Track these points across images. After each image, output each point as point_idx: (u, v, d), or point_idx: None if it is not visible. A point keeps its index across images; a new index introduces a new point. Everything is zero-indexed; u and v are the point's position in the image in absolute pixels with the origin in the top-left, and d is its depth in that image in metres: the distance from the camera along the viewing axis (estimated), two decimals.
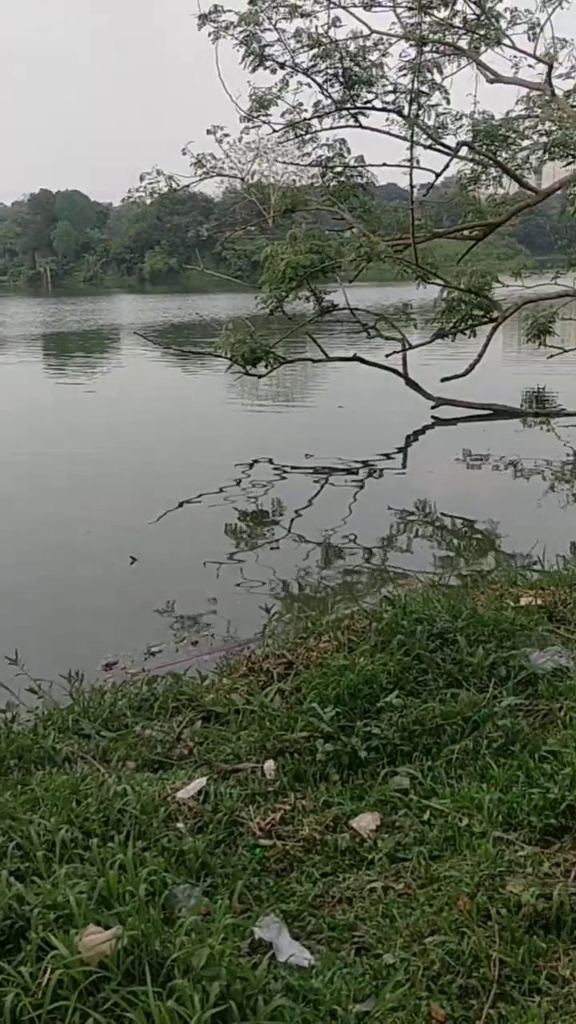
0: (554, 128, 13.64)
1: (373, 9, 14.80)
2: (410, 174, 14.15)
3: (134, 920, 3.02)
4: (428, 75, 13.74)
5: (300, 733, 4.60)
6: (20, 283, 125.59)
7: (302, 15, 14.15)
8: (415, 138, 14.15)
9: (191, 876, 3.58)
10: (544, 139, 13.67)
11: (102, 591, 9.22)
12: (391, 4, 14.65)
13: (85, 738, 4.90)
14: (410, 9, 14.42)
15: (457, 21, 15.02)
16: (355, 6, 14.50)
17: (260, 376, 16.31)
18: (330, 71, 13.99)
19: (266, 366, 15.64)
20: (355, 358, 17.12)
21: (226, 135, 15.11)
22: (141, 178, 15.34)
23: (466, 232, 16.18)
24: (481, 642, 5.39)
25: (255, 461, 15.06)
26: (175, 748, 4.79)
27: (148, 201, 16.09)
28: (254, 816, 4.06)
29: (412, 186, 14.53)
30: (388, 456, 15.56)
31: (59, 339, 43.78)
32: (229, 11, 14.05)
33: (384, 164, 15.34)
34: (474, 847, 3.68)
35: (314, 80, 14.21)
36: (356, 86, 14.01)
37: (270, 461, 15.09)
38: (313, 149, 15.65)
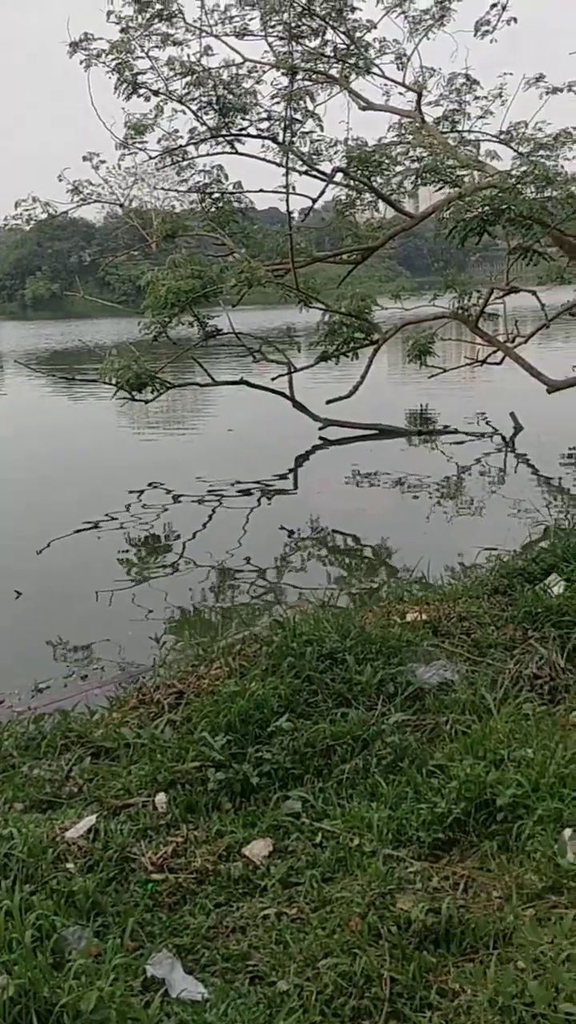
0: (425, 154, 14.05)
1: (246, 38, 15.03)
2: (286, 200, 14.39)
3: (21, 968, 2.94)
4: (301, 103, 14.01)
5: (191, 763, 4.57)
6: None
7: (174, 43, 14.26)
8: (291, 164, 14.39)
9: (81, 917, 3.51)
10: (416, 165, 14.06)
11: None
12: (263, 33, 14.87)
13: None
14: (281, 39, 14.67)
15: (328, 50, 15.38)
16: (227, 35, 14.69)
17: (147, 402, 16.22)
18: (204, 99, 14.11)
19: (152, 392, 15.57)
20: (242, 382, 17.20)
21: (103, 161, 15.07)
22: (16, 205, 15.13)
23: (345, 256, 16.47)
24: (369, 660, 5.47)
25: (146, 487, 14.94)
26: (64, 787, 4.69)
27: (26, 228, 15.85)
28: (146, 851, 4.00)
29: (289, 212, 14.77)
30: (279, 478, 15.67)
31: None
32: (100, 39, 14.05)
33: (261, 190, 15.54)
34: (365, 866, 3.72)
35: (188, 107, 14.31)
36: (230, 113, 14.16)
37: (161, 487, 14.99)
38: (191, 175, 15.74)
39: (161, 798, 4.39)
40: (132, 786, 4.54)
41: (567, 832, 3.73)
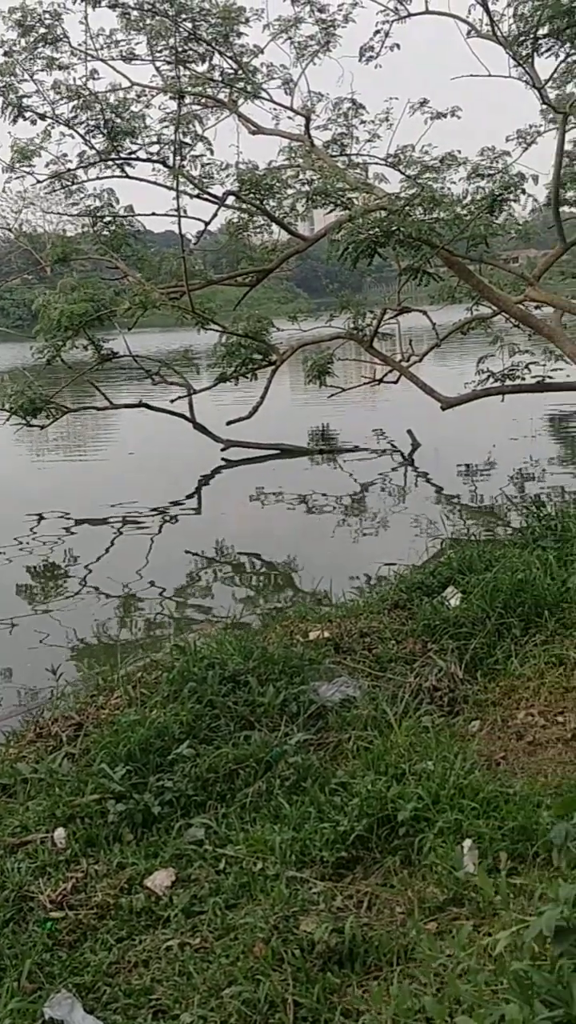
0: (315, 177, 14.23)
1: (133, 62, 15.00)
2: (178, 223, 14.39)
3: None
4: (190, 126, 14.06)
5: (91, 796, 4.47)
6: None
7: (60, 67, 14.15)
8: (182, 188, 14.40)
9: None
10: (307, 188, 14.22)
11: None
12: (150, 58, 14.88)
13: None
14: (168, 63, 14.70)
15: (216, 75, 15.48)
16: (114, 59, 14.64)
17: (42, 427, 15.95)
18: (92, 122, 14.01)
19: (48, 416, 15.31)
20: (141, 405, 17.07)
21: None
22: None
23: (240, 279, 16.54)
24: (272, 680, 5.45)
25: (46, 514, 14.65)
26: None
27: None
28: (44, 888, 3.90)
29: (181, 235, 14.76)
30: (182, 500, 15.58)
31: None
32: None
33: (153, 213, 15.52)
34: (268, 890, 3.69)
35: (76, 131, 14.19)
36: (119, 137, 14.08)
37: (62, 513, 14.72)
38: (82, 199, 15.60)
39: (60, 833, 4.28)
40: (30, 823, 4.41)
41: (466, 843, 3.77)
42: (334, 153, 16.12)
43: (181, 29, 14.37)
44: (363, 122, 15.92)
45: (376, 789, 4.17)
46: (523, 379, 14.40)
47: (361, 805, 4.10)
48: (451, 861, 3.59)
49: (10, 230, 16.01)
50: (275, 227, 16.34)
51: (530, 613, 6.33)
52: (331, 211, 14.25)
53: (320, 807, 4.21)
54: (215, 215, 15.48)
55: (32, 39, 14.18)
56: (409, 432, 17.84)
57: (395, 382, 17.76)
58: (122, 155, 14.48)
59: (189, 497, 15.86)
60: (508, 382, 14.29)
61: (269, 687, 5.32)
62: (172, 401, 17.19)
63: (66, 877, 3.95)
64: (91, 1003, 3.23)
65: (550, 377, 14.84)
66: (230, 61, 15.24)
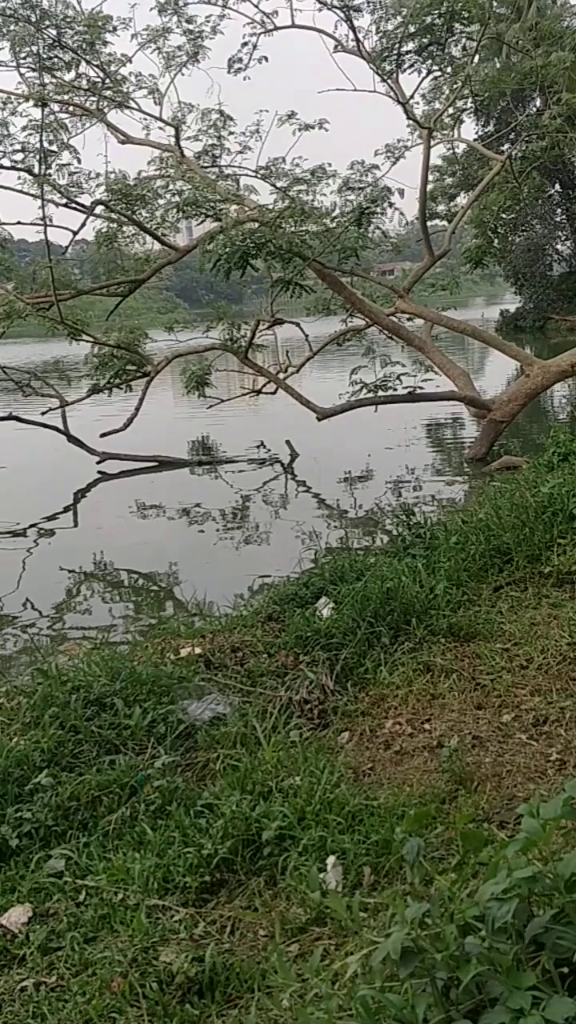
0: (186, 188, 14.18)
1: None
2: (44, 232, 14.07)
3: None
4: (56, 135, 13.80)
5: None
6: None
7: None
8: (49, 196, 14.10)
9: None
10: (178, 198, 14.15)
11: None
12: (14, 64, 14.55)
13: None
14: (33, 69, 14.41)
15: (84, 83, 15.26)
16: None
17: None
18: None
19: None
20: (11, 417, 16.62)
21: None
22: None
23: (113, 288, 16.31)
24: (139, 701, 5.33)
25: None
26: None
27: None
28: None
29: (47, 244, 14.42)
30: (57, 515, 15.22)
31: None
32: None
33: (18, 222, 15.15)
34: (128, 921, 3.57)
35: None
36: None
37: None
38: None
39: None
40: None
41: (330, 860, 3.75)
42: (205, 164, 16.12)
43: (45, 36, 14.11)
44: (232, 134, 15.97)
45: (241, 809, 4.11)
46: (395, 390, 14.64)
47: (226, 826, 4.03)
48: (309, 882, 3.54)
49: None
50: (148, 237, 16.19)
51: (399, 621, 6.39)
52: (202, 222, 14.22)
53: (185, 831, 4.12)
54: (83, 225, 15.25)
55: None
56: (287, 443, 17.92)
57: (273, 393, 17.83)
58: None
59: (64, 512, 15.50)
60: (380, 393, 14.50)
61: (136, 708, 5.20)
62: (43, 413, 16.80)
63: None
64: None
65: (421, 387, 15.13)
66: (97, 70, 15.06)
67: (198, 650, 6.36)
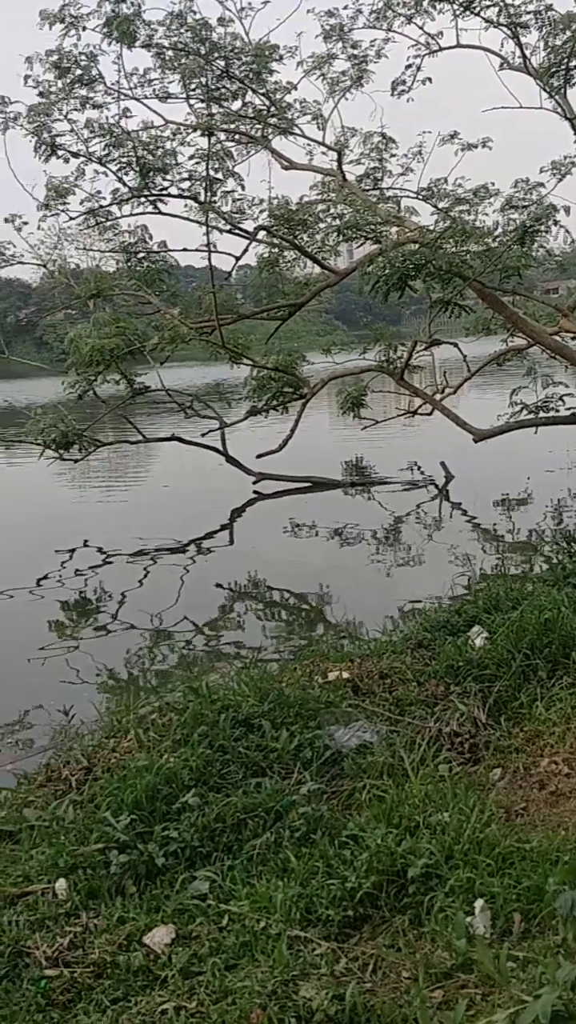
0: (347, 211, 14.23)
1: (168, 100, 15.17)
2: (208, 259, 14.47)
3: None
4: (222, 163, 14.15)
5: (94, 846, 4.34)
6: None
7: (94, 106, 14.34)
8: (214, 223, 14.48)
9: None
10: (338, 222, 14.22)
11: None
12: (184, 96, 15.03)
13: None
14: (201, 100, 14.84)
15: (249, 111, 15.59)
16: (147, 97, 14.81)
17: (76, 460, 16.06)
18: (124, 159, 14.18)
19: (80, 450, 15.41)
20: (173, 438, 17.13)
21: (25, 223, 15.00)
22: None
23: (273, 312, 16.57)
24: (287, 724, 5.31)
25: (78, 548, 14.68)
26: None
27: None
28: (41, 943, 3.77)
29: (211, 270, 14.82)
30: (214, 533, 15.53)
31: None
32: (17, 102, 14.09)
33: (184, 249, 15.60)
34: (269, 951, 3.53)
35: (108, 168, 14.37)
36: (151, 173, 14.23)
37: (94, 546, 14.74)
38: (115, 235, 15.77)
39: (61, 884, 4.16)
40: (32, 872, 4.30)
41: (478, 903, 3.59)
42: (367, 187, 16.12)
43: (214, 67, 14.51)
44: (394, 156, 15.89)
45: (387, 843, 4.01)
46: (557, 411, 14.17)
47: (371, 860, 3.93)
48: (456, 929, 3.39)
49: (45, 266, 16.19)
50: (308, 261, 16.37)
51: (557, 654, 6.13)
52: (360, 244, 14.24)
53: (329, 861, 4.05)
54: (245, 250, 15.55)
55: (68, 80, 14.41)
56: (442, 464, 17.66)
57: (429, 414, 17.62)
58: (154, 192, 14.60)
59: (220, 530, 15.81)
60: (542, 414, 14.05)
61: (283, 731, 5.18)
62: (203, 435, 17.22)
63: (64, 932, 3.83)
64: None
65: None
66: (262, 98, 15.35)
67: (346, 674, 6.30)
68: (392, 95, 15.38)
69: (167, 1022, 3.30)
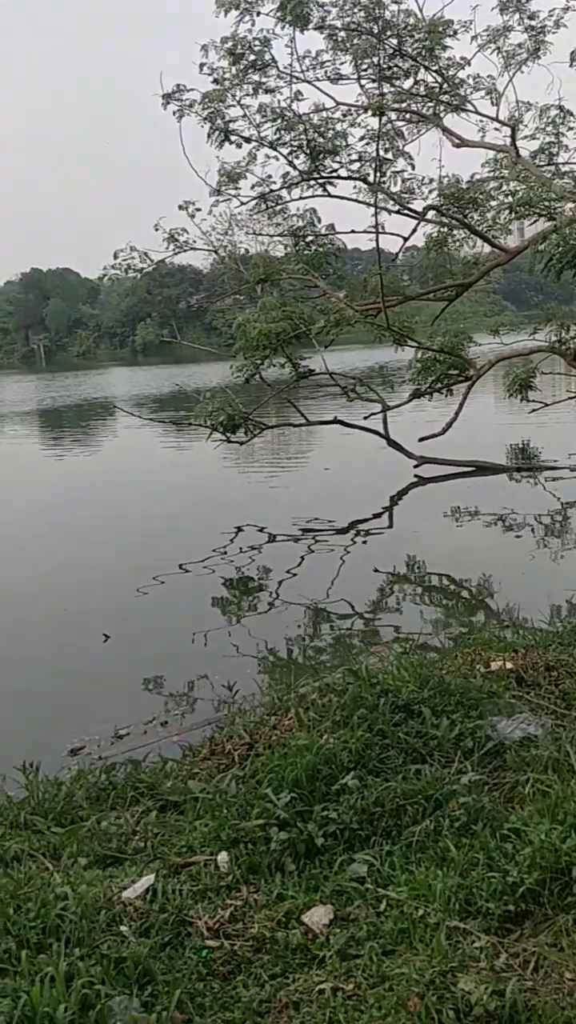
0: (520, 188, 13.83)
1: (339, 82, 15.15)
2: (376, 240, 14.34)
3: None
4: (392, 143, 14.01)
5: (256, 821, 4.42)
6: (14, 360, 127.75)
7: (266, 91, 14.49)
8: (382, 204, 14.38)
9: (130, 985, 3.39)
10: (510, 199, 13.83)
11: (77, 669, 9.08)
12: (355, 76, 14.96)
13: (37, 834, 4.73)
14: (373, 80, 14.73)
15: (420, 89, 15.36)
16: (319, 80, 14.83)
17: (241, 443, 16.35)
18: (295, 143, 14.28)
19: (246, 432, 15.67)
20: (336, 421, 17.15)
21: (198, 209, 15.34)
22: (115, 255, 15.54)
23: (440, 293, 16.30)
24: (447, 712, 5.24)
25: (242, 527, 14.98)
26: (131, 841, 4.61)
27: (124, 276, 16.25)
28: (203, 914, 3.87)
29: (378, 251, 14.69)
30: (374, 517, 15.50)
31: (53, 414, 44.18)
32: (192, 90, 14.39)
33: (352, 231, 15.57)
34: (428, 940, 3.49)
35: (279, 152, 14.50)
36: (321, 156, 14.28)
37: (257, 527, 15.00)
38: (284, 219, 15.90)
39: (223, 857, 4.26)
40: (196, 843, 4.42)
41: None
42: (541, 163, 15.61)
43: (386, 46, 14.37)
44: (572, 129, 15.31)
45: (551, 839, 3.89)
46: None
47: (534, 855, 3.83)
48: None
49: (216, 252, 16.51)
50: (478, 240, 16.01)
51: None
52: (535, 222, 13.79)
53: (489, 854, 3.97)
54: (414, 231, 15.37)
55: (242, 66, 14.60)
56: None
57: None
58: (324, 174, 14.63)
59: (381, 514, 15.75)
60: None
61: (444, 719, 5.11)
62: (365, 418, 17.16)
63: (225, 904, 3.92)
64: None
65: None
66: (435, 75, 15.10)
67: (509, 665, 6.15)
68: (571, 65, 14.80)
69: (324, 1002, 3.32)
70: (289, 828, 4.33)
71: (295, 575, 12.29)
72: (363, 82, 15.05)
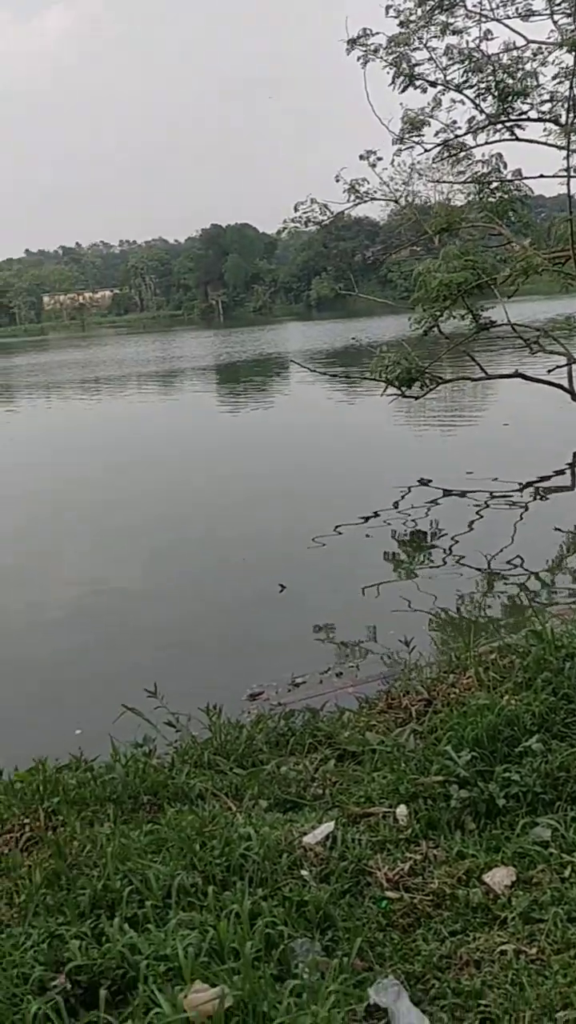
0: None
1: (531, 19, 14.42)
2: (567, 184, 13.65)
3: (242, 978, 2.92)
4: None
5: (435, 777, 4.38)
6: (194, 316, 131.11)
7: (453, 32, 13.98)
8: (575, 146, 13.63)
9: (311, 929, 3.44)
10: None
11: (252, 617, 9.28)
12: (548, 12, 14.21)
13: (220, 774, 4.87)
14: (567, 15, 13.94)
15: None
16: (509, 18, 14.17)
17: (416, 398, 16.10)
18: (482, 85, 13.73)
19: (422, 387, 15.41)
20: (516, 375, 16.60)
21: (379, 159, 15.05)
22: (296, 208, 15.52)
23: None
24: None
25: (418, 483, 14.82)
26: (309, 788, 4.67)
27: (304, 229, 16.24)
28: (382, 865, 3.87)
29: (569, 196, 13.95)
30: (555, 474, 14.97)
31: (230, 369, 45.10)
32: (378, 33, 14.04)
33: (541, 176, 14.85)
34: None
35: (466, 96, 13.99)
36: (510, 98, 13.66)
37: (430, 483, 14.80)
38: (468, 166, 15.38)
39: (402, 810, 4.25)
40: (374, 794, 4.42)
41: None
42: None
43: None
44: None
45: None
46: None
47: None
48: None
49: (398, 202, 16.17)
50: None
51: None
52: None
53: None
54: None
55: (428, 7, 14.14)
56: None
57: None
58: (512, 117, 14.02)
59: (562, 472, 15.19)
60: None
61: None
62: (549, 371, 16.51)
63: (405, 857, 3.90)
64: (418, 994, 3.15)
65: None
66: None
67: None
68: None
69: (506, 963, 3.25)
70: (469, 787, 4.26)
71: (469, 533, 12.06)
72: (556, 17, 14.27)
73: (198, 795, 4.63)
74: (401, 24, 14.26)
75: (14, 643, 9.38)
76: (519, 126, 14.32)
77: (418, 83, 14.06)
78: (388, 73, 13.97)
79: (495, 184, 15.31)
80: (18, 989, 2.97)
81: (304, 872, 3.79)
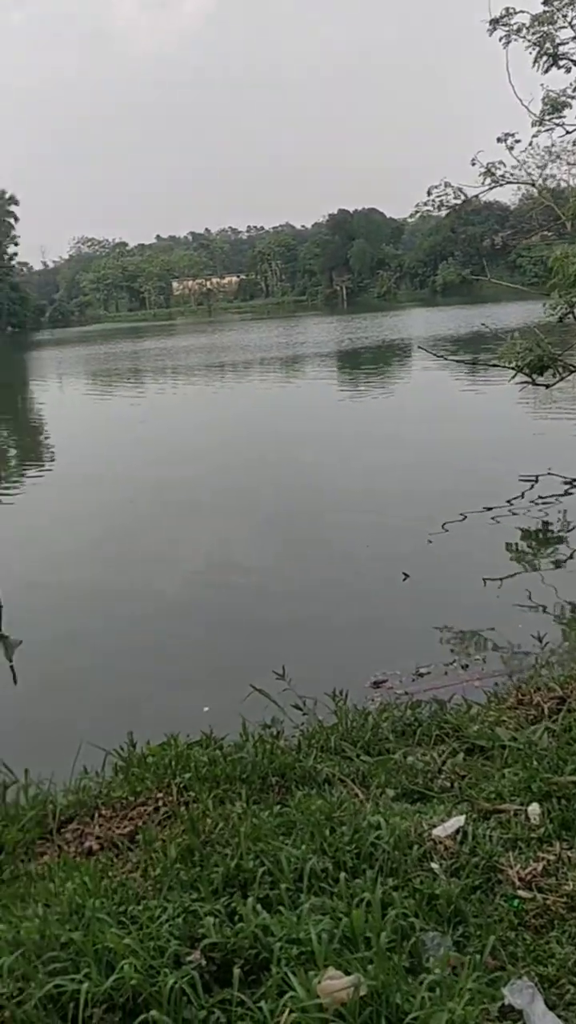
0: None
1: None
2: None
3: (376, 968, 2.90)
4: None
5: (570, 777, 4.26)
6: (318, 302, 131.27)
7: None
8: None
9: (442, 923, 3.39)
10: None
11: (376, 605, 9.24)
12: None
13: (346, 760, 4.86)
14: None
15: None
16: None
17: (547, 386, 15.65)
18: None
19: (554, 375, 14.98)
20: None
21: (517, 141, 14.64)
22: (429, 192, 15.26)
23: None
24: None
25: (543, 474, 14.44)
26: (436, 780, 4.61)
27: (435, 213, 15.97)
28: (514, 863, 3.78)
29: None
30: None
31: (352, 355, 44.94)
32: (522, 12, 13.62)
33: None
34: None
35: None
36: None
37: (559, 475, 14.40)
38: None
39: (535, 809, 4.14)
40: (504, 791, 4.33)
41: None
42: None
43: None
44: None
45: None
46: None
47: None
48: None
49: (534, 185, 15.72)
50: None
51: None
52: None
53: None
54: None
55: None
56: None
57: None
58: None
59: None
60: None
61: None
62: None
63: (538, 857, 3.81)
64: (553, 998, 3.07)
65: None
66: None
67: None
68: None
69: None
70: None
71: None
72: None
73: (325, 780, 4.63)
74: (545, 2, 13.80)
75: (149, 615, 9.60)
76: None
77: (562, 63, 13.61)
78: (530, 54, 13.57)
79: None
80: (155, 962, 3.03)
81: (434, 865, 3.74)
